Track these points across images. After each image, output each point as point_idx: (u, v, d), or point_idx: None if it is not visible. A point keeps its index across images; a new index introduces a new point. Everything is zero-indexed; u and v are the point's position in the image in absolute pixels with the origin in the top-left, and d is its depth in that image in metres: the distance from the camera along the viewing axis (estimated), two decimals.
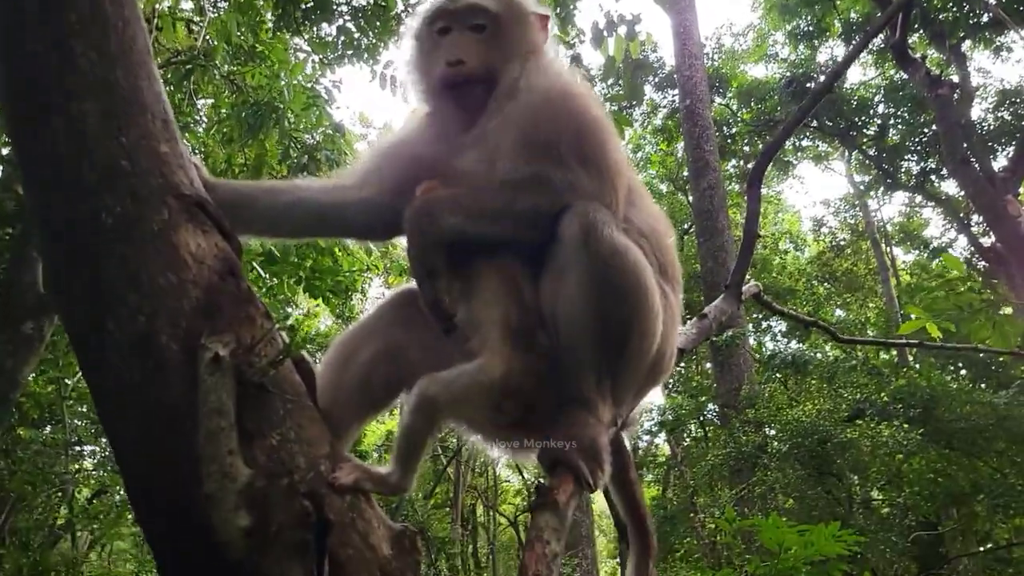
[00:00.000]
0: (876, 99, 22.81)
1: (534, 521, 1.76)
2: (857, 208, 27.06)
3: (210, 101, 14.03)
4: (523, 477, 22.30)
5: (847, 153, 26.10)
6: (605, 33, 8.34)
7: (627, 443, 2.38)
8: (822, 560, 3.87)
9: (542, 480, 1.97)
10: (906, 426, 13.01)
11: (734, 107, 25.53)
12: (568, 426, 1.99)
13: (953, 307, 4.36)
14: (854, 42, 21.36)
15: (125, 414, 1.61)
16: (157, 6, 14.34)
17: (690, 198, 20.83)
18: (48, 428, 11.65)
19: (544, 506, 1.77)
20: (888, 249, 26.56)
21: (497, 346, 1.97)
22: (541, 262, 2.09)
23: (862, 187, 26.58)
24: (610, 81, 8.61)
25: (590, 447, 1.95)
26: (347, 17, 14.87)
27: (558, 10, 8.87)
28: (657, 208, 2.45)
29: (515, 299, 2.07)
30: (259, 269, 8.92)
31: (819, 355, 16.91)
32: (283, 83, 11.60)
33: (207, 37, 12.52)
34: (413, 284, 2.16)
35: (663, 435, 20.96)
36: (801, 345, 20.10)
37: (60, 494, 10.87)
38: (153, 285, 1.62)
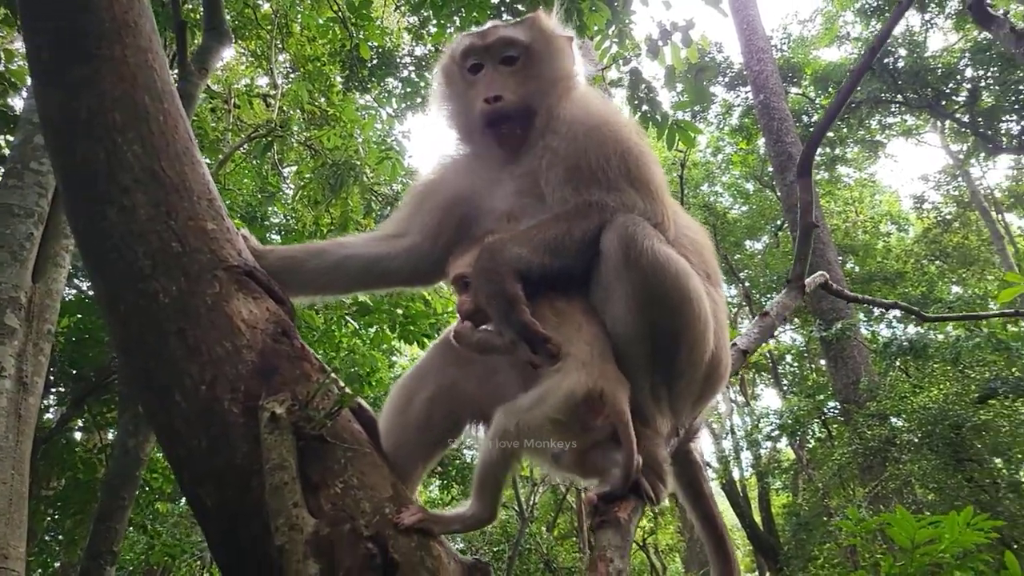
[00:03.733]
0: (962, 63, 21.73)
1: (597, 539, 1.73)
2: (959, 178, 25.77)
3: (294, 168, 14.67)
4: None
5: (939, 123, 24.92)
6: (660, 43, 8.32)
7: (696, 454, 2.33)
8: (964, 552, 3.61)
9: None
10: None
11: (811, 94, 24.79)
12: None
13: None
14: (931, 8, 20.55)
15: (200, 480, 1.69)
16: (234, 85, 15.17)
17: (778, 193, 20.28)
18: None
19: (607, 524, 1.74)
20: (1000, 216, 25.17)
21: (584, 358, 1.90)
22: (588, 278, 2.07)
23: (960, 156, 25.30)
24: (678, 88, 8.53)
25: (650, 461, 1.93)
26: (411, 68, 15.42)
27: (615, 27, 8.88)
28: (692, 219, 2.44)
29: (590, 317, 2.03)
30: (354, 323, 9.18)
31: (939, 336, 16.08)
32: (358, 140, 12.02)
33: (282, 108, 13.16)
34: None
35: (784, 439, 20.30)
36: (919, 328, 19.16)
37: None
38: (211, 354, 1.71)
